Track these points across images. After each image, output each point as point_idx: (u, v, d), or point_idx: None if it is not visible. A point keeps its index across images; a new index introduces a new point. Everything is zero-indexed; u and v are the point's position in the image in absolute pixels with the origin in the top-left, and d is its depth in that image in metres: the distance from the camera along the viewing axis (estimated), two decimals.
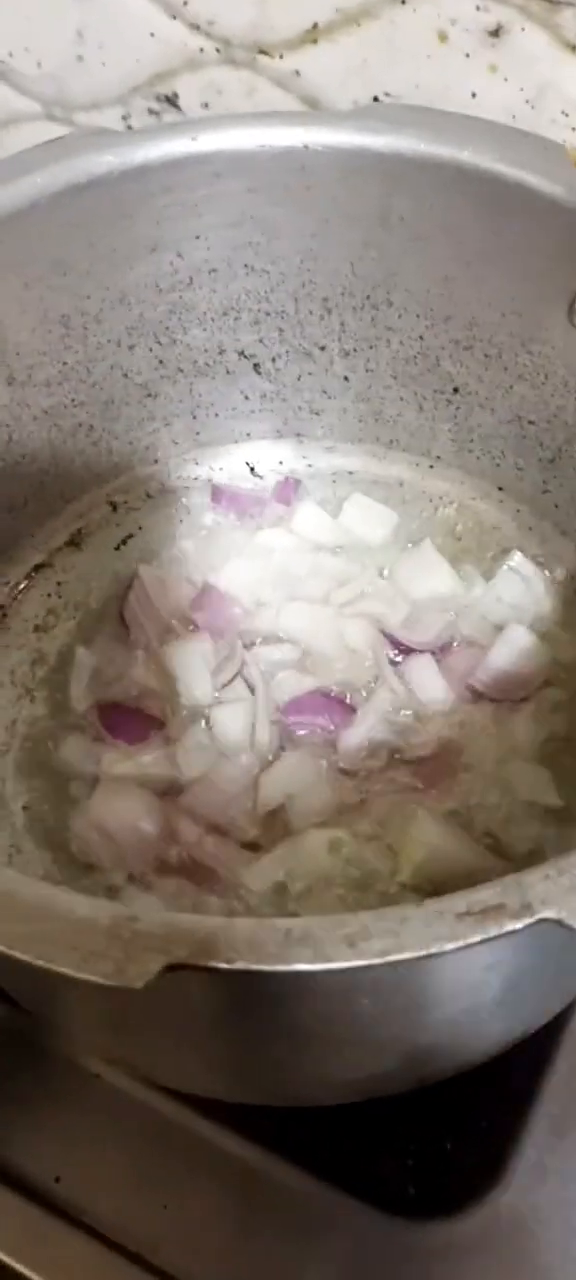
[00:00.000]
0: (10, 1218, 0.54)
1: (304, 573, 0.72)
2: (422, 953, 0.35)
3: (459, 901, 0.36)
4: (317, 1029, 0.43)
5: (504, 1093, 0.57)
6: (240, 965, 0.35)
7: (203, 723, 0.65)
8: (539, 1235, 0.53)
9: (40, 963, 0.35)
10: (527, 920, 0.35)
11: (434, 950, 0.35)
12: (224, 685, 0.66)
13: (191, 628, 0.69)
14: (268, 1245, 0.53)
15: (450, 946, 0.35)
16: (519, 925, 0.35)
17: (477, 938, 0.35)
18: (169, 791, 0.62)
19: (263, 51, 0.74)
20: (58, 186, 0.60)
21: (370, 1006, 0.41)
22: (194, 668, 0.67)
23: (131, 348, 0.70)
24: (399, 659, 0.67)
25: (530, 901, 0.35)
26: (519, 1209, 0.54)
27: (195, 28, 0.75)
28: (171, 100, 0.79)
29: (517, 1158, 0.55)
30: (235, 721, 0.64)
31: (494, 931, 0.35)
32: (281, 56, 0.73)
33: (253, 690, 0.66)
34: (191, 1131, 0.56)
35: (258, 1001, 0.39)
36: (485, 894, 0.36)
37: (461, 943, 0.35)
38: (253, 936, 0.35)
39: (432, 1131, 0.56)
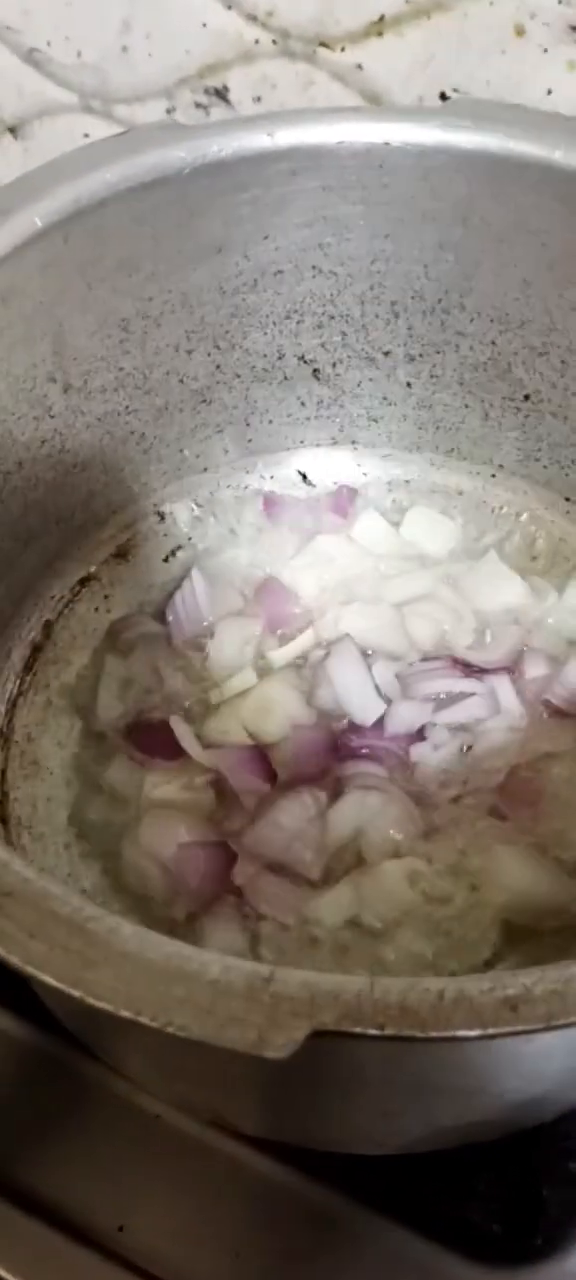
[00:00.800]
0: (72, 1268, 0.52)
1: (365, 579, 0.70)
2: None
3: None
4: (443, 1083, 0.40)
5: None
6: (391, 1031, 0.32)
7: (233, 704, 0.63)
8: None
9: (174, 1030, 0.32)
10: None
11: None
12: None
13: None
14: None
15: None
16: None
17: None
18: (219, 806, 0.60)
19: (323, 44, 0.71)
20: (127, 183, 0.57)
21: (504, 1061, 0.39)
22: (235, 645, 0.65)
23: (189, 352, 0.67)
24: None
25: None
26: None
27: (252, 18, 0.72)
28: (221, 93, 0.76)
29: None
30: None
31: None
32: (343, 49, 0.70)
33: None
34: (260, 1174, 0.53)
35: (395, 1064, 0.36)
36: None
37: None
38: (403, 1000, 0.32)
39: (521, 1171, 0.54)
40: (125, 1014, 0.31)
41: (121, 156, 0.57)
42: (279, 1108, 0.46)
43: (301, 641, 0.65)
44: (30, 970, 0.32)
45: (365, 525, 0.72)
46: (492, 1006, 0.32)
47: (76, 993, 0.32)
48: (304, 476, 0.75)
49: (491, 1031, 0.32)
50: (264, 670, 0.65)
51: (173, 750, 0.61)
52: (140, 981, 0.32)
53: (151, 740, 0.62)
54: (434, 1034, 0.32)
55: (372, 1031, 0.32)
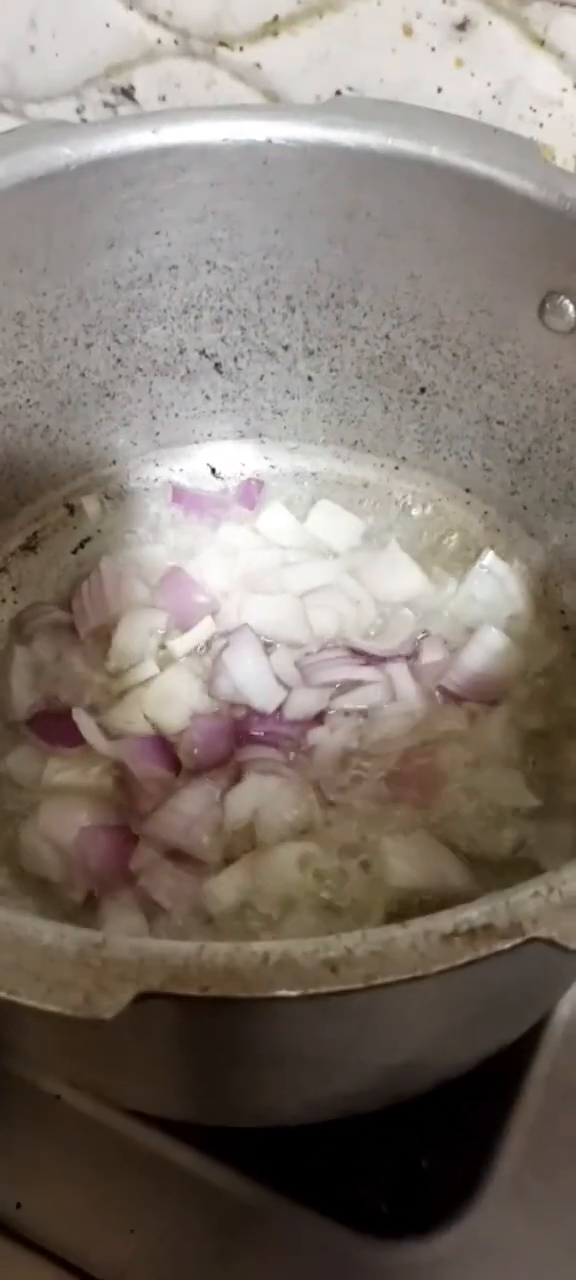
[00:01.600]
0: None
1: (269, 570, 0.71)
2: (407, 976, 0.33)
3: (445, 921, 0.34)
4: (293, 1052, 0.41)
5: (478, 1107, 0.56)
6: (215, 993, 0.33)
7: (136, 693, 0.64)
8: (515, 1254, 0.53)
9: (3, 994, 0.33)
10: (517, 940, 0.34)
11: (419, 973, 0.33)
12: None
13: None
14: (238, 1268, 0.52)
15: (436, 969, 0.33)
16: (507, 945, 0.34)
17: (465, 958, 0.33)
18: (121, 792, 0.60)
19: (222, 43, 0.72)
20: (13, 179, 0.58)
21: (349, 1027, 0.40)
22: (139, 635, 0.66)
23: (89, 346, 0.68)
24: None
25: (519, 920, 0.34)
26: (495, 1227, 0.53)
27: (153, 18, 0.73)
28: (127, 93, 0.77)
29: (494, 1174, 0.54)
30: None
31: (483, 952, 0.33)
32: (241, 49, 0.72)
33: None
34: (157, 1154, 0.55)
35: (233, 1028, 0.37)
36: (472, 913, 0.34)
37: (447, 964, 0.33)
38: (229, 963, 0.33)
39: (406, 1148, 0.55)
40: None
41: (9, 153, 0.58)
42: (147, 1081, 0.47)
43: (199, 630, 0.66)
44: None
45: (270, 517, 0.73)
46: (314, 968, 0.33)
47: None
48: (213, 469, 0.76)
49: (311, 991, 0.33)
50: (166, 660, 0.66)
51: (74, 738, 0.62)
52: None
53: (53, 728, 0.63)
54: (256, 994, 0.33)
55: (196, 993, 0.33)
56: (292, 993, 0.33)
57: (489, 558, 0.70)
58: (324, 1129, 0.53)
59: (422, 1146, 0.55)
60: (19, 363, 0.65)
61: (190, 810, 0.59)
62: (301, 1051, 0.41)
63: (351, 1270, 0.52)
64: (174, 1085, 0.45)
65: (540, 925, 0.34)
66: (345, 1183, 0.54)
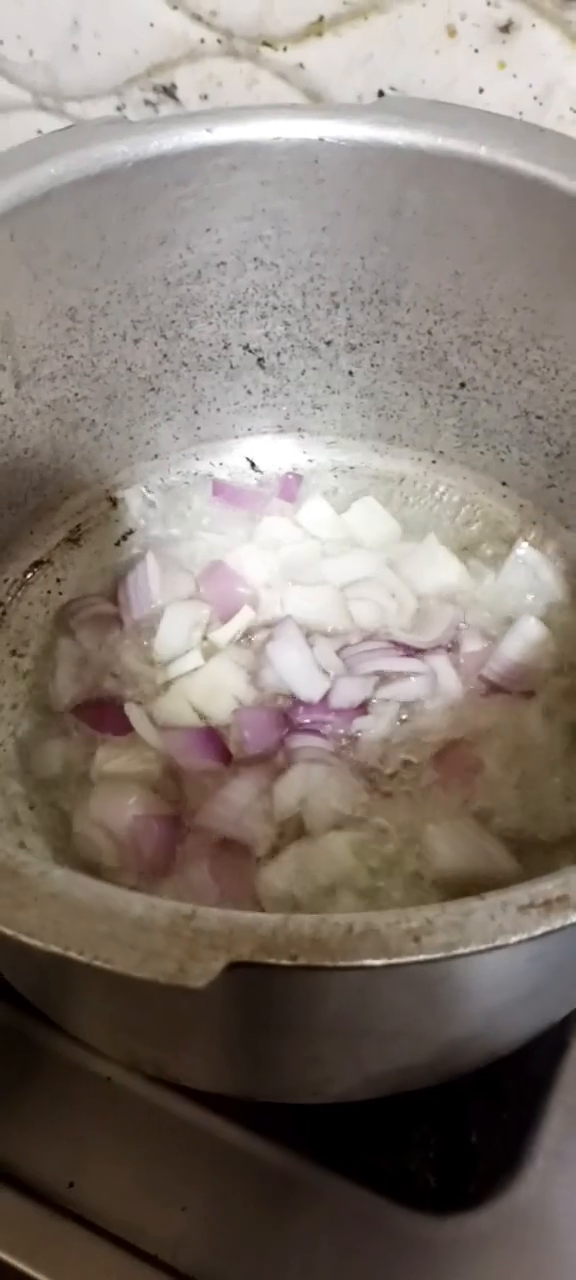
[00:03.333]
0: (25, 1224, 0.54)
1: (310, 561, 0.72)
2: (487, 946, 0.35)
3: (521, 894, 0.36)
4: (365, 1024, 0.42)
5: (522, 1083, 0.57)
6: (304, 961, 0.34)
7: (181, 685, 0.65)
8: (558, 1224, 0.54)
9: (99, 963, 0.34)
10: None
11: (499, 943, 0.35)
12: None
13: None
14: (288, 1243, 0.53)
15: (515, 938, 0.35)
16: None
17: (542, 929, 0.35)
18: (171, 781, 0.61)
19: (266, 43, 0.73)
20: (71, 176, 0.59)
21: (418, 998, 0.41)
22: (183, 627, 0.67)
23: (136, 341, 0.69)
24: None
25: None
26: (538, 1198, 0.54)
27: (197, 18, 0.74)
28: (169, 91, 0.79)
29: (537, 1148, 0.55)
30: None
31: (559, 923, 0.35)
32: (285, 49, 0.73)
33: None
34: (207, 1131, 0.56)
35: (312, 998, 0.39)
36: (547, 885, 0.36)
37: (525, 934, 0.35)
38: (315, 933, 0.35)
39: (454, 1124, 0.56)
40: (54, 949, 0.34)
41: (65, 151, 0.59)
42: (215, 1056, 0.48)
43: (239, 620, 0.67)
44: None
45: (310, 510, 0.75)
46: (397, 938, 0.35)
47: (9, 931, 0.34)
48: (252, 464, 0.78)
49: (395, 961, 0.34)
50: (209, 651, 0.67)
51: (123, 726, 0.64)
52: (68, 920, 0.35)
53: (103, 716, 0.64)
54: (342, 963, 0.34)
55: (285, 962, 0.34)
56: (377, 961, 0.34)
57: (524, 548, 0.71)
58: (373, 1105, 0.55)
59: (470, 1121, 0.56)
60: (69, 357, 0.67)
61: (239, 800, 0.61)
62: (370, 1025, 0.42)
63: (400, 1243, 0.53)
64: (239, 1059, 0.47)
65: None
66: (393, 1157, 0.56)
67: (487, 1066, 0.54)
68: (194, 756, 0.62)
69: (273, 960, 0.34)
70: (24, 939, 0.34)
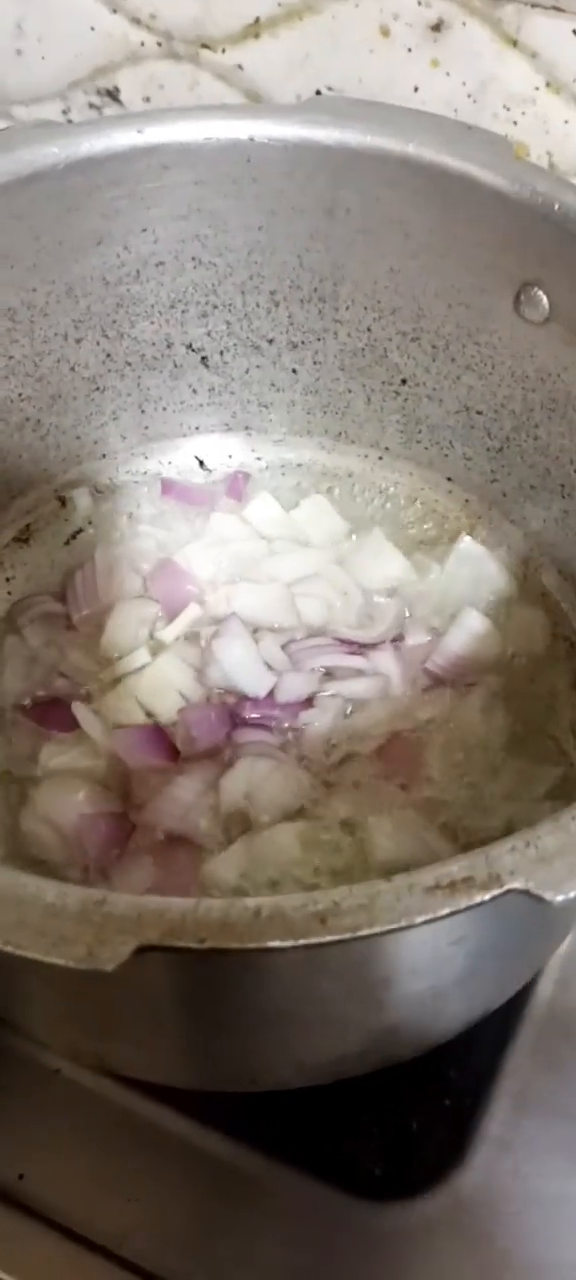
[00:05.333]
0: None
1: (257, 559, 0.72)
2: (393, 926, 0.35)
3: (427, 876, 0.36)
4: (286, 1009, 0.43)
5: (466, 1071, 0.57)
6: (211, 944, 0.35)
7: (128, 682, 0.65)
8: (501, 1212, 0.54)
9: (8, 949, 0.34)
10: (495, 891, 0.36)
11: (404, 923, 0.35)
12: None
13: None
14: (234, 1233, 0.53)
15: (420, 919, 0.35)
16: (487, 896, 0.36)
17: (447, 909, 0.35)
18: (117, 777, 0.62)
19: (205, 45, 0.74)
20: (2, 179, 0.59)
21: (339, 984, 0.42)
22: (131, 625, 0.67)
23: (78, 341, 0.69)
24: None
25: (498, 873, 0.36)
26: (482, 1186, 0.55)
27: (136, 21, 0.75)
28: (112, 94, 0.79)
29: (480, 1136, 0.56)
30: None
31: (463, 903, 0.35)
32: (223, 50, 0.73)
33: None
34: (154, 1123, 0.56)
35: (228, 982, 0.39)
36: (453, 868, 0.36)
37: (430, 915, 0.35)
38: (224, 917, 0.35)
39: (397, 1112, 0.57)
40: None
41: None
42: (148, 1045, 0.48)
43: (186, 617, 0.68)
44: None
45: (258, 507, 0.75)
46: (303, 920, 0.35)
47: None
48: (201, 462, 0.78)
49: (300, 942, 0.35)
50: (157, 649, 0.67)
51: (69, 723, 0.64)
52: None
53: (49, 714, 0.65)
54: (249, 945, 0.35)
55: (193, 945, 0.35)
56: (284, 944, 0.35)
57: (466, 542, 0.72)
58: (317, 1095, 0.55)
59: (412, 1110, 0.57)
60: (10, 358, 0.67)
61: (186, 796, 0.61)
62: (292, 1010, 0.43)
63: (346, 1231, 0.53)
64: (172, 1047, 0.47)
65: (517, 877, 0.36)
66: (339, 1147, 0.56)
67: (431, 1055, 0.54)
68: (141, 754, 0.63)
69: (180, 943, 0.35)
70: None
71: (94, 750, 0.63)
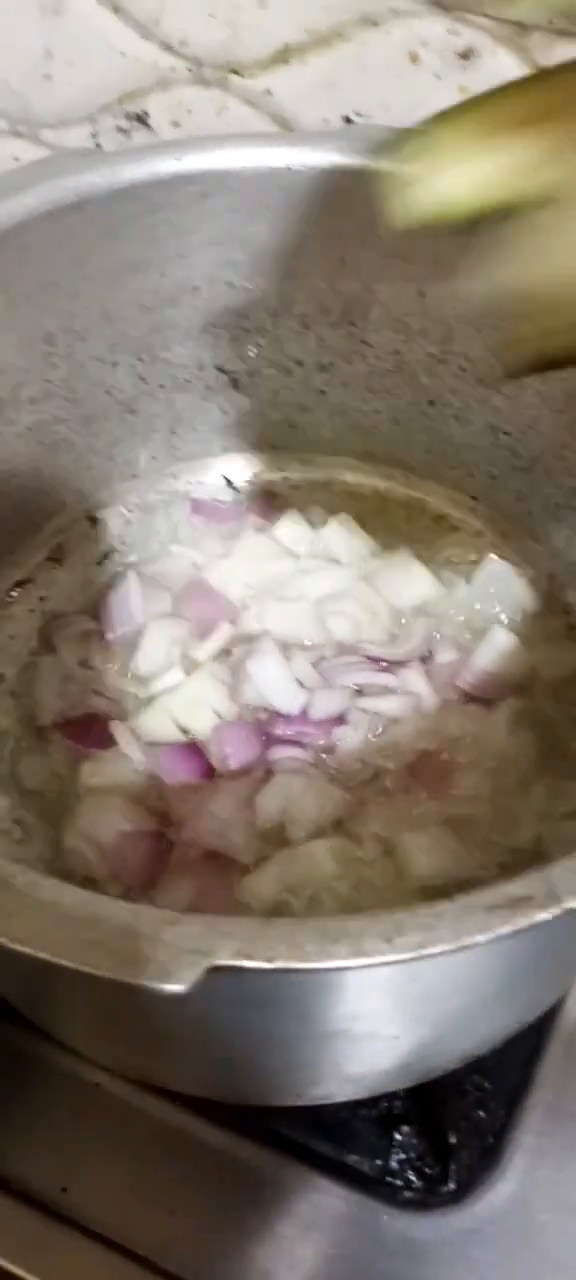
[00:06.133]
0: (19, 1229, 0.55)
1: (287, 577, 0.73)
2: (455, 946, 0.36)
3: (487, 896, 0.37)
4: (340, 1027, 0.44)
5: (500, 1083, 0.58)
6: (280, 964, 0.36)
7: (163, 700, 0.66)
8: (537, 1221, 0.55)
9: (86, 968, 0.35)
10: (555, 910, 0.37)
11: (466, 943, 0.36)
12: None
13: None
14: (273, 1244, 0.54)
15: (482, 938, 0.36)
16: (548, 915, 0.37)
17: (508, 929, 0.36)
18: (153, 791, 0.63)
19: (234, 71, 0.75)
20: (45, 207, 0.61)
21: (391, 1001, 0.43)
22: (163, 644, 0.68)
23: (114, 365, 0.71)
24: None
25: (557, 893, 0.37)
26: (518, 1196, 0.56)
27: (167, 47, 0.76)
28: (141, 119, 0.80)
29: (515, 1145, 0.57)
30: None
31: (524, 923, 0.36)
32: (252, 76, 0.75)
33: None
34: (195, 1136, 0.57)
35: (287, 1001, 0.40)
36: (512, 887, 0.37)
37: (492, 934, 0.36)
38: (291, 936, 0.36)
39: (433, 1124, 0.58)
40: (42, 955, 0.35)
41: (41, 181, 0.61)
42: (198, 1060, 0.49)
43: (218, 636, 0.69)
44: None
45: (287, 527, 0.76)
46: (370, 939, 0.36)
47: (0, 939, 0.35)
48: (228, 481, 0.79)
49: (369, 961, 0.36)
50: (190, 668, 0.68)
51: (107, 740, 0.65)
52: (56, 927, 0.36)
53: (87, 732, 0.66)
54: (317, 965, 0.36)
55: (263, 965, 0.36)
56: (352, 962, 0.36)
57: (494, 561, 0.73)
58: (355, 1107, 0.56)
59: (449, 1121, 0.58)
60: (48, 381, 0.68)
61: (222, 813, 0.62)
62: (345, 1026, 0.44)
63: (383, 1242, 0.54)
64: (221, 1062, 0.48)
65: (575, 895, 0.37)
66: (375, 1157, 0.57)
67: (465, 1068, 0.55)
68: (177, 771, 0.64)
69: (252, 963, 0.36)
70: (13, 946, 0.35)
71: (132, 768, 0.64)
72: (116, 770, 0.64)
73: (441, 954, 0.36)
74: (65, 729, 0.66)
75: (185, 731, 0.65)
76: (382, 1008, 0.43)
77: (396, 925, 0.36)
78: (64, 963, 0.35)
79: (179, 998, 0.35)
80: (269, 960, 0.36)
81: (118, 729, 0.65)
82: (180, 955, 0.35)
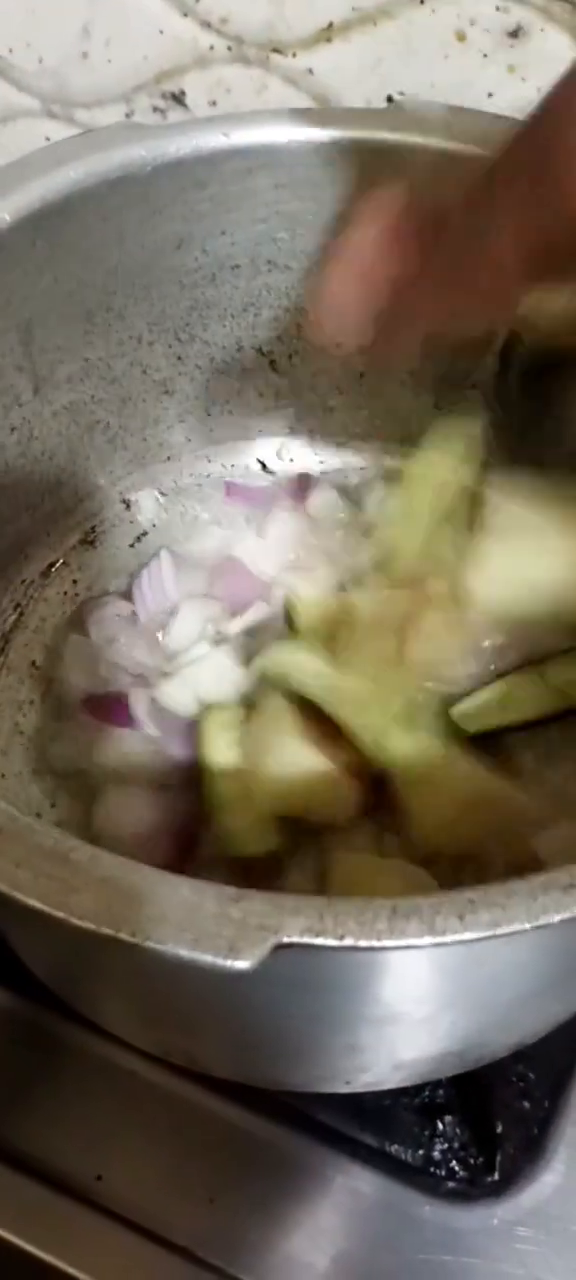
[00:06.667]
0: (55, 1218, 0.54)
1: (316, 550, 0.72)
2: (530, 925, 0.35)
3: (562, 876, 0.36)
4: (402, 1009, 0.43)
5: (544, 1073, 0.58)
6: (350, 942, 0.35)
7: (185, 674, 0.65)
8: None
9: (150, 944, 0.34)
10: None
11: (542, 921, 0.35)
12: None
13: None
14: (313, 1234, 0.53)
15: (557, 917, 0.35)
16: None
17: None
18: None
19: (276, 49, 0.74)
20: (90, 181, 0.60)
21: (452, 983, 0.42)
22: (196, 623, 0.68)
23: (151, 344, 0.70)
24: None
25: None
26: (562, 1187, 0.55)
27: (207, 25, 0.75)
28: (178, 98, 0.80)
29: (559, 1136, 0.56)
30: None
31: None
32: (294, 55, 0.74)
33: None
34: (233, 1123, 0.56)
35: (350, 982, 0.39)
36: None
37: (568, 914, 0.36)
38: (361, 914, 0.35)
39: (479, 1114, 0.57)
40: (107, 932, 0.34)
41: (86, 155, 0.60)
42: (250, 1044, 0.48)
43: (251, 615, 0.68)
44: (17, 896, 0.35)
45: (320, 501, 0.75)
46: (441, 917, 0.35)
47: (61, 914, 0.35)
48: (263, 465, 0.79)
49: (440, 940, 0.35)
50: (222, 644, 0.67)
51: (130, 718, 0.64)
52: (118, 903, 0.35)
53: (111, 709, 0.65)
54: (388, 943, 0.35)
55: (333, 942, 0.35)
56: (423, 941, 0.35)
57: None
58: (398, 1097, 0.55)
59: (494, 1111, 0.57)
60: (86, 360, 0.67)
61: None
62: (406, 1009, 0.43)
63: (427, 1233, 0.54)
64: (280, 1046, 0.47)
65: None
66: (418, 1148, 0.56)
67: (510, 1056, 0.55)
68: (187, 744, 0.62)
69: (321, 941, 0.35)
70: (77, 923, 0.34)
71: (152, 745, 0.63)
72: (134, 749, 0.63)
73: (515, 933, 0.35)
74: (90, 707, 0.65)
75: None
76: (442, 990, 0.42)
77: (468, 903, 0.35)
78: (129, 939, 0.34)
79: (243, 976, 0.34)
80: (339, 938, 0.35)
81: (138, 703, 0.64)
82: (248, 932, 0.35)
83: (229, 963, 0.34)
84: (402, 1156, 0.56)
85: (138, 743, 0.63)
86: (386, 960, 0.38)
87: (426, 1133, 0.57)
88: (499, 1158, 0.56)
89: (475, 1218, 0.54)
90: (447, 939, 0.35)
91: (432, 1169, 0.56)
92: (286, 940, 0.35)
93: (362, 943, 0.35)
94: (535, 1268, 0.53)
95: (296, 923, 0.35)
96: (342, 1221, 0.54)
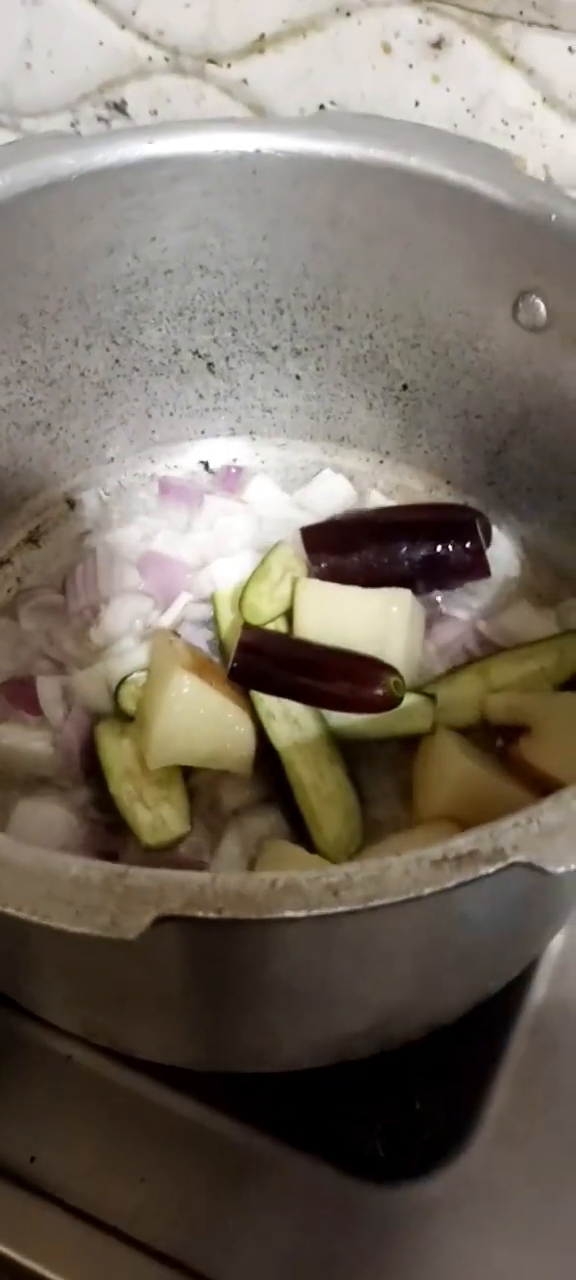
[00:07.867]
0: None
1: (238, 531, 0.74)
2: (402, 898, 0.37)
3: (435, 850, 0.38)
4: (297, 986, 0.44)
5: (467, 1057, 0.59)
6: (229, 914, 0.36)
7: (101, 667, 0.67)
8: (503, 1193, 0.55)
9: (36, 918, 0.36)
10: (500, 864, 0.37)
11: (413, 895, 0.37)
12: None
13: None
14: (242, 1214, 0.55)
15: (428, 890, 0.37)
16: (491, 869, 0.37)
17: (453, 882, 0.37)
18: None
19: (211, 60, 0.76)
20: (17, 189, 0.61)
21: (348, 960, 0.44)
22: (125, 617, 0.69)
23: (88, 347, 0.71)
24: None
25: (502, 847, 0.38)
26: (484, 1168, 0.56)
27: (144, 37, 0.76)
28: (120, 107, 0.81)
29: (482, 1119, 0.57)
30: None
31: (469, 875, 0.37)
32: (229, 65, 0.76)
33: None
34: (165, 1107, 0.57)
35: (243, 956, 0.41)
36: (460, 842, 0.38)
37: (438, 887, 0.37)
38: (241, 888, 0.37)
39: (401, 1096, 0.58)
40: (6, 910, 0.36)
41: (13, 163, 0.61)
42: (162, 1023, 0.50)
43: (177, 605, 0.69)
44: None
45: (256, 488, 0.77)
46: (317, 891, 0.37)
47: None
48: (205, 465, 0.80)
49: (315, 912, 0.36)
50: (149, 639, 0.69)
51: (36, 705, 0.66)
52: (10, 882, 0.37)
53: (22, 693, 0.66)
54: (265, 915, 0.36)
55: (211, 915, 0.36)
56: (298, 914, 0.36)
57: None
58: (322, 1078, 0.57)
59: (416, 1092, 0.58)
60: (23, 363, 0.69)
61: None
62: (303, 986, 0.44)
63: (350, 1212, 0.55)
64: (184, 1024, 0.49)
65: (520, 851, 0.38)
66: (343, 1129, 0.57)
67: (434, 1041, 0.56)
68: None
69: (200, 913, 0.36)
70: None
71: (50, 732, 0.64)
72: (34, 734, 0.64)
73: (385, 906, 0.37)
74: (8, 691, 0.67)
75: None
76: (338, 967, 0.44)
77: (345, 878, 0.37)
78: (16, 914, 0.36)
79: (134, 949, 0.36)
80: (218, 911, 0.36)
81: (43, 687, 0.65)
82: (130, 905, 0.36)
83: (112, 935, 0.36)
84: (330, 1139, 0.57)
85: (37, 728, 0.65)
86: (274, 935, 0.39)
87: (353, 1116, 0.58)
88: (421, 1139, 0.57)
89: (398, 1199, 0.55)
90: (323, 911, 0.36)
91: (358, 1151, 0.57)
92: (166, 912, 0.36)
93: (240, 915, 0.36)
94: (454, 1246, 0.54)
95: (178, 896, 0.37)
96: (267, 1200, 0.55)
